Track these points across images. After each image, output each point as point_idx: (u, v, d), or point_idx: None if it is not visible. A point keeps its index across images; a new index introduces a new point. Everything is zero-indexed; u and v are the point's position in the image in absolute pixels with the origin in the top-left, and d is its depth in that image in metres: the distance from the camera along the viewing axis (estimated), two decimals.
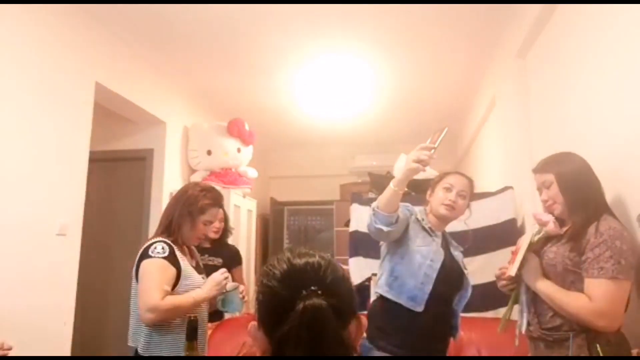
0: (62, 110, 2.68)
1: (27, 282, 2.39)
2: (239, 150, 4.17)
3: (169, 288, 1.69)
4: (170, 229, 1.81)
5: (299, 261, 0.79)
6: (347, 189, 5.40)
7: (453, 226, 1.99)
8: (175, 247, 1.78)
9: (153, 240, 1.77)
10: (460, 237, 2.05)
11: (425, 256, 1.80)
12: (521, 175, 2.70)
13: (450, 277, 1.85)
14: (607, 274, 1.38)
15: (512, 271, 1.56)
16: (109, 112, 3.45)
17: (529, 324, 1.57)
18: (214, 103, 4.49)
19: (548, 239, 1.59)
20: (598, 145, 1.79)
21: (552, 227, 1.54)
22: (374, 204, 1.69)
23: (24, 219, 2.40)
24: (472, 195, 1.92)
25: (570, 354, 1.43)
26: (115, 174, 3.87)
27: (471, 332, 2.32)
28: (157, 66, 3.64)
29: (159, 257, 1.71)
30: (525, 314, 1.59)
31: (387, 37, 3.18)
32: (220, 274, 1.80)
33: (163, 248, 1.74)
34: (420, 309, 1.75)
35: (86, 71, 2.88)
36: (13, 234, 2.33)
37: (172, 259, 1.74)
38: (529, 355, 1.61)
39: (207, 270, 1.94)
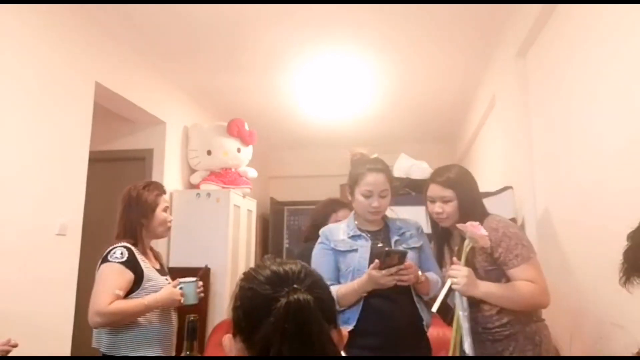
0: (62, 110, 2.68)
1: (27, 282, 2.39)
2: (239, 150, 4.18)
3: (121, 292, 1.74)
4: (131, 233, 1.89)
5: (279, 268, 0.79)
6: (347, 189, 5.39)
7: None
8: (136, 251, 1.84)
9: (114, 245, 1.84)
10: None
11: (353, 270, 1.77)
12: (521, 175, 2.70)
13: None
14: (525, 259, 1.52)
15: (434, 307, 1.58)
16: (109, 112, 3.45)
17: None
18: (214, 103, 4.48)
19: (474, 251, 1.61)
20: (598, 144, 1.79)
21: (487, 241, 1.53)
22: (334, 292, 1.51)
23: (23, 218, 2.40)
24: (391, 181, 1.84)
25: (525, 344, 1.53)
26: (115, 174, 3.86)
27: None
28: (157, 66, 3.64)
29: (115, 262, 1.78)
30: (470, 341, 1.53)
31: (387, 37, 3.18)
32: (177, 289, 1.85)
33: (122, 253, 1.80)
34: (353, 323, 1.69)
35: (86, 71, 2.88)
36: (13, 233, 2.32)
37: (131, 263, 1.80)
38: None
39: None
